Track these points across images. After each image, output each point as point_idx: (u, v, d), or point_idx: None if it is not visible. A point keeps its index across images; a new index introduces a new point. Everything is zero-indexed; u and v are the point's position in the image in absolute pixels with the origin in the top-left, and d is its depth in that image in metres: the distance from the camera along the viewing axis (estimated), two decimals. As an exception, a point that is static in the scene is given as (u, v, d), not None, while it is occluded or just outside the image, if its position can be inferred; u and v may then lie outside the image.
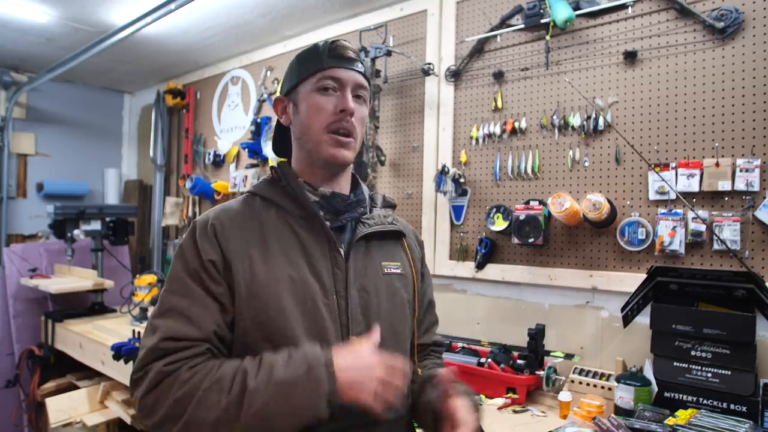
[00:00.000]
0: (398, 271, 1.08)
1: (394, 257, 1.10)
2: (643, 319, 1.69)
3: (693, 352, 1.54)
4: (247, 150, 3.22)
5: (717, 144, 1.68)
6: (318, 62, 1.00)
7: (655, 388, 1.57)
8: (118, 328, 2.72)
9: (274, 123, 3.43)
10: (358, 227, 1.04)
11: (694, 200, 1.70)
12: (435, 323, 1.25)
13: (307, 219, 1.00)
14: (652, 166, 1.75)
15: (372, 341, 0.91)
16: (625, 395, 1.58)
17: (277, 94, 1.13)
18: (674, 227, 1.71)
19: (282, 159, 1.15)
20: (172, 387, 0.83)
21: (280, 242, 0.97)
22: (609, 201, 1.82)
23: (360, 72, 1.02)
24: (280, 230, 0.98)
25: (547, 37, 2.01)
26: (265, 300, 0.91)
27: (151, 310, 2.90)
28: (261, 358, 0.86)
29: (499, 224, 2.13)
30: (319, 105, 0.99)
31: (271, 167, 1.09)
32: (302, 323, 0.92)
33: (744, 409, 1.43)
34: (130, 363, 2.39)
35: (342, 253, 1.00)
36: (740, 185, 1.60)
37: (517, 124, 2.12)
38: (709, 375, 1.50)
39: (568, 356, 1.89)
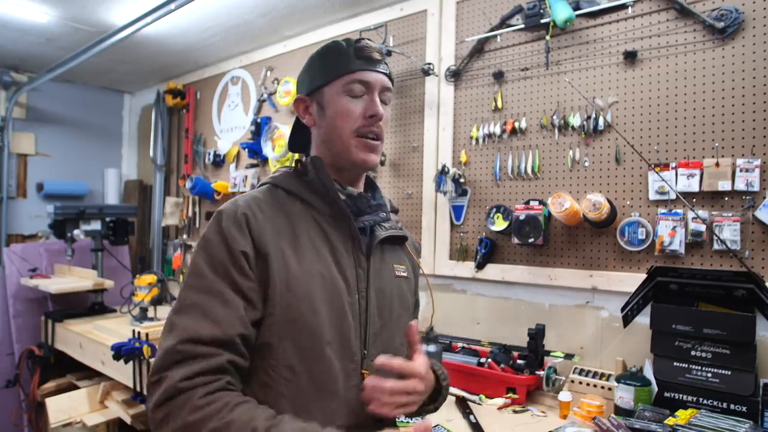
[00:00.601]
0: (405, 274, 1.12)
1: (402, 261, 1.13)
2: (643, 319, 1.69)
3: (693, 352, 1.54)
4: (247, 150, 3.22)
5: (717, 144, 1.68)
6: (345, 64, 0.98)
7: (655, 388, 1.57)
8: (118, 328, 2.72)
9: (276, 123, 3.38)
10: (375, 229, 1.05)
11: (694, 200, 1.70)
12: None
13: (335, 217, 1.00)
14: (652, 166, 1.75)
15: None
16: (625, 395, 1.58)
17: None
18: (674, 227, 1.70)
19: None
20: (184, 408, 0.78)
21: (308, 236, 0.96)
22: (609, 201, 1.82)
23: (386, 74, 1.02)
24: (308, 224, 0.97)
25: (547, 37, 2.01)
26: (298, 297, 0.89)
27: (150, 311, 2.90)
28: (272, 425, 0.78)
29: (499, 224, 2.13)
30: (348, 109, 0.98)
31: (297, 160, 1.07)
32: (329, 321, 0.92)
33: (744, 409, 1.43)
34: (130, 363, 2.39)
35: (364, 253, 1.01)
36: (740, 185, 1.60)
37: (517, 124, 2.12)
38: (709, 375, 1.50)
39: (568, 356, 1.89)
